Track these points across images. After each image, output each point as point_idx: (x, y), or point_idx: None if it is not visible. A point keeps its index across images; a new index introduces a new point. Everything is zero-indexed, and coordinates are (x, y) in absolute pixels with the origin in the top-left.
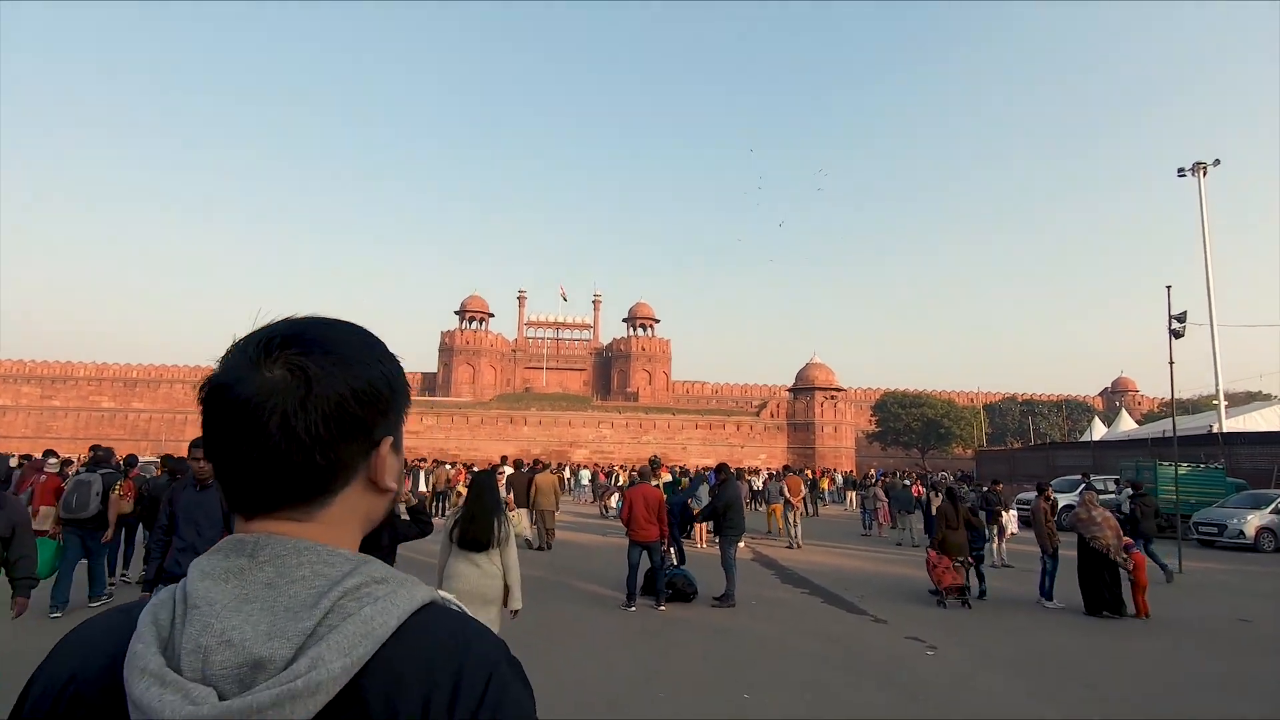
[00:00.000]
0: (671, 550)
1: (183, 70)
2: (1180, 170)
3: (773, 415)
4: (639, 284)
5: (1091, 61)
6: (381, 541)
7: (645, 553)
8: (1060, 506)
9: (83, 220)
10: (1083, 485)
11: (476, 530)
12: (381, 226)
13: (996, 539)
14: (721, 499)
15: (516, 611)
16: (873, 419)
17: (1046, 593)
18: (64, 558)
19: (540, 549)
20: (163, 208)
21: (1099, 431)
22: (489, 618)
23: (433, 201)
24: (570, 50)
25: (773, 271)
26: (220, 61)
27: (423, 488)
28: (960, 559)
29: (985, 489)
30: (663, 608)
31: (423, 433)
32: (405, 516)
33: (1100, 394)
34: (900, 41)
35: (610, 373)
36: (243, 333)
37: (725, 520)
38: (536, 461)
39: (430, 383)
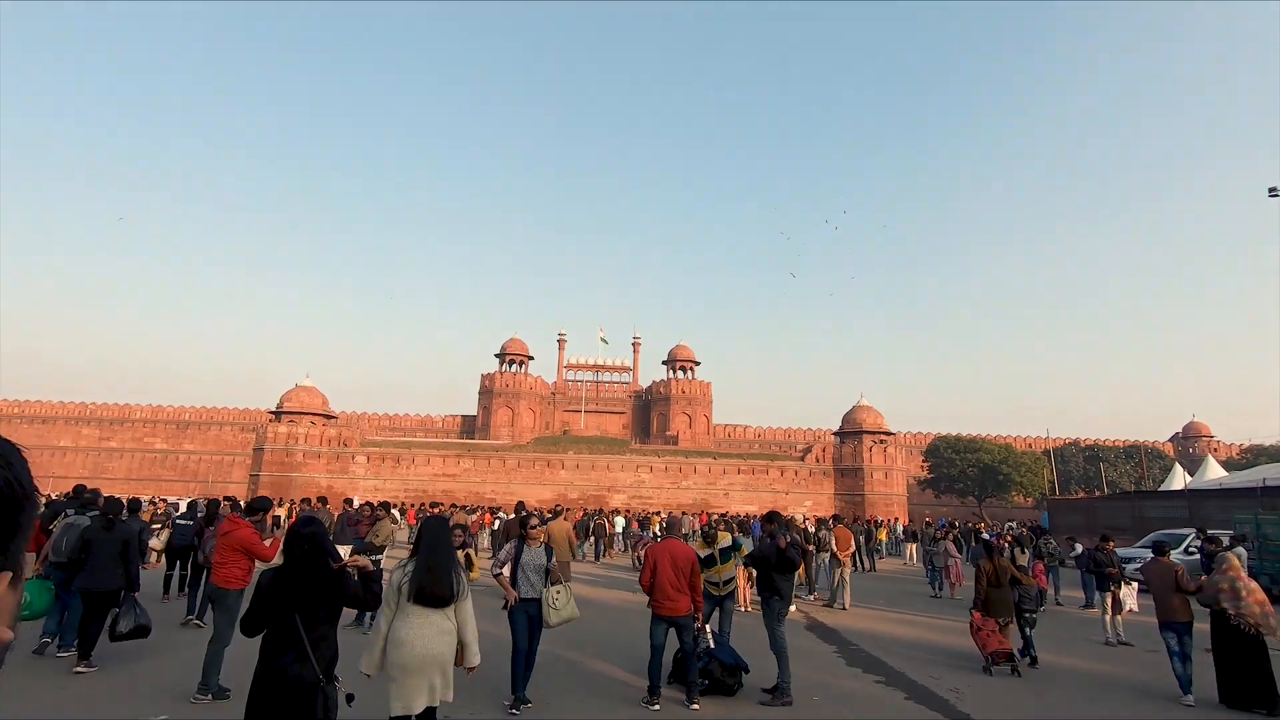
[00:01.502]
0: (707, 629)
1: (224, 121)
2: (1273, 190)
3: (818, 460)
4: (679, 326)
5: (1150, 96)
6: (319, 614)
7: (673, 631)
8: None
9: (142, 266)
10: (1200, 542)
11: (437, 585)
12: (422, 269)
13: (1110, 611)
14: (772, 552)
15: (473, 669)
16: (924, 465)
17: (1185, 683)
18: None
19: None
20: (209, 255)
21: (1180, 479)
22: (445, 677)
23: (474, 244)
24: (609, 87)
25: (817, 312)
26: (267, 116)
27: None
28: (1005, 619)
29: (1095, 549)
30: (695, 705)
31: (459, 475)
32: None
33: (1170, 439)
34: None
35: (650, 416)
36: (286, 377)
37: (776, 584)
38: (558, 507)
39: (470, 425)
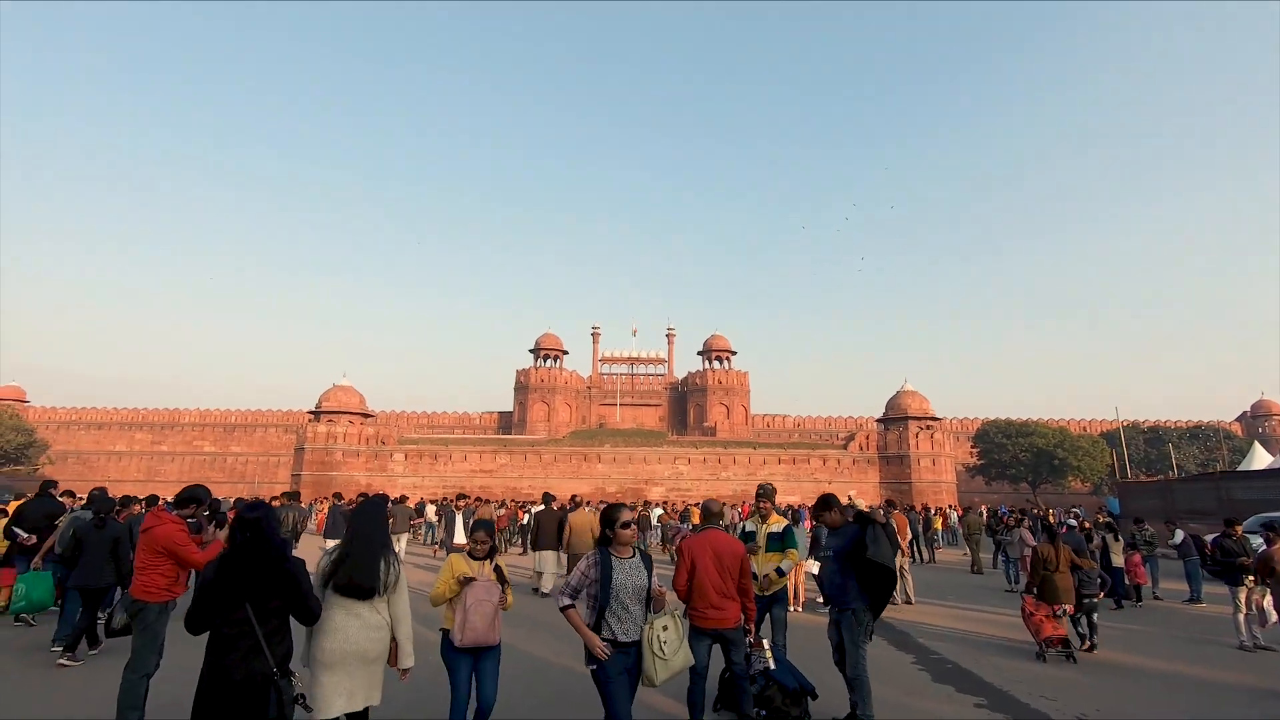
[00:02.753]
0: (764, 644)
1: (258, 124)
2: None
3: (862, 448)
4: (713, 316)
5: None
6: (271, 605)
7: (719, 647)
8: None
9: (183, 272)
10: None
11: (357, 572)
12: (456, 266)
13: (1244, 608)
14: (859, 536)
15: (406, 671)
16: (973, 450)
17: None
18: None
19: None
20: (248, 258)
21: (1261, 459)
22: (370, 679)
23: (506, 239)
24: (640, 81)
25: (856, 298)
26: (303, 118)
27: (459, 538)
28: (1062, 606)
29: (1222, 535)
30: None
31: (496, 471)
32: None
33: (1238, 419)
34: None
35: (686, 408)
36: (324, 378)
37: (856, 593)
38: (573, 499)
39: (507, 421)
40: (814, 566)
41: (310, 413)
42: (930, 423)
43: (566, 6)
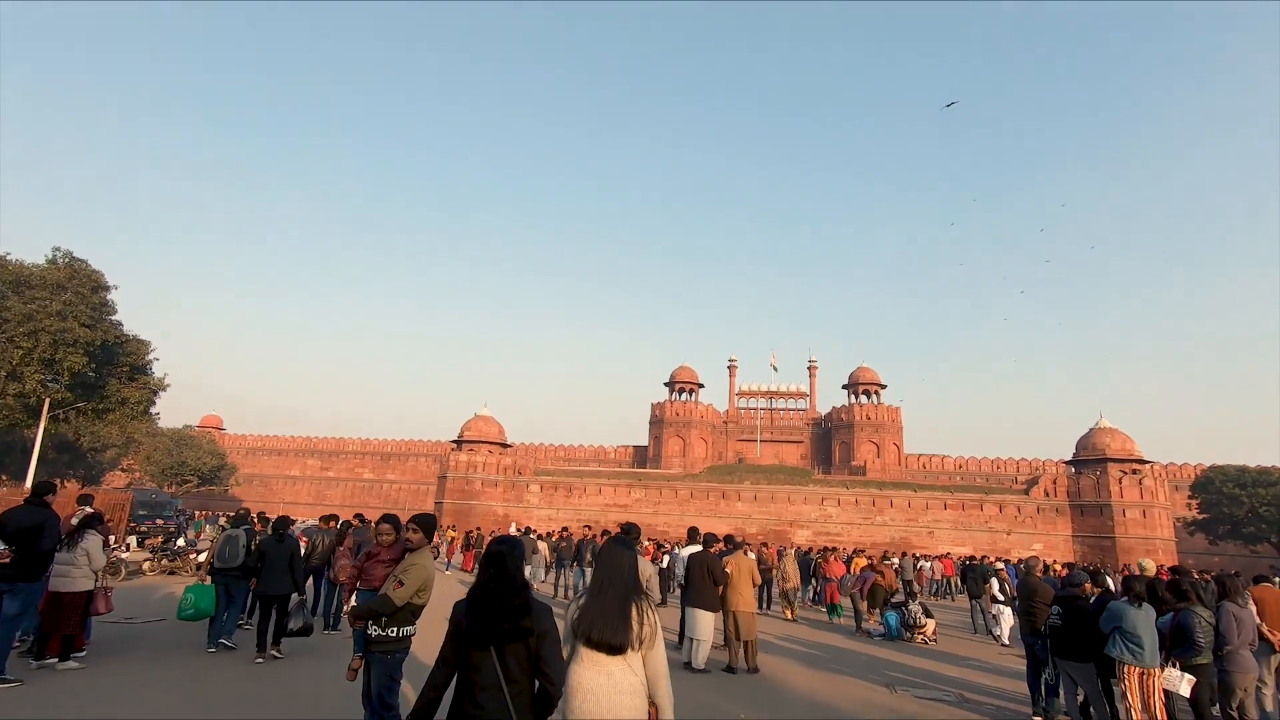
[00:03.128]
0: None
1: (407, 173)
2: None
3: (1048, 494)
4: (858, 349)
5: None
6: (511, 653)
7: None
8: None
9: (348, 306)
10: None
11: (602, 627)
12: (590, 297)
13: None
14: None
15: None
16: (1192, 502)
17: None
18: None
19: (731, 670)
20: (401, 291)
21: None
22: None
23: (640, 269)
24: (778, 93)
25: (1025, 324)
26: (448, 165)
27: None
28: None
29: None
30: None
31: (631, 506)
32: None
33: None
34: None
35: (831, 445)
36: (468, 409)
37: None
38: (728, 539)
39: (642, 456)
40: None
41: (453, 442)
42: (1137, 467)
43: (712, 48)
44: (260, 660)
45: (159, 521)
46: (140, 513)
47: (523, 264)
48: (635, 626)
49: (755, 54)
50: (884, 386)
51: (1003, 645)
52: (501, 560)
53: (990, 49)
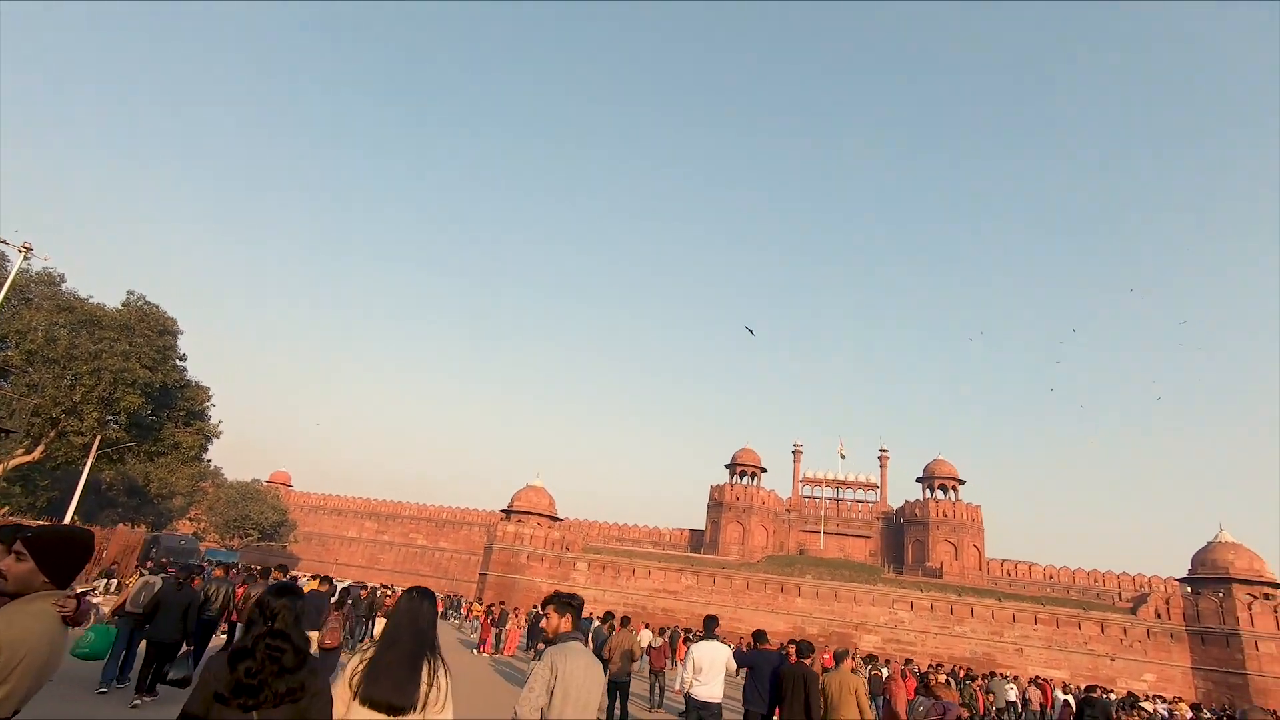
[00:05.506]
0: None
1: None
2: None
3: (1159, 616)
4: (932, 441)
5: None
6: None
7: None
8: None
9: (414, 374)
10: None
11: (383, 686)
12: (657, 373)
13: None
14: None
15: None
16: None
17: None
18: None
19: None
20: (462, 365)
21: None
22: None
23: (708, 347)
24: (848, 175)
25: (1122, 423)
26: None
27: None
28: None
29: None
30: None
31: (681, 593)
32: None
33: None
34: None
35: (903, 542)
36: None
37: None
38: (867, 658)
39: (698, 540)
40: None
41: (503, 511)
42: (1269, 591)
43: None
44: (137, 704)
45: (170, 569)
46: (162, 559)
47: (591, 337)
48: (424, 687)
49: (849, 124)
50: (962, 482)
51: None
52: (277, 613)
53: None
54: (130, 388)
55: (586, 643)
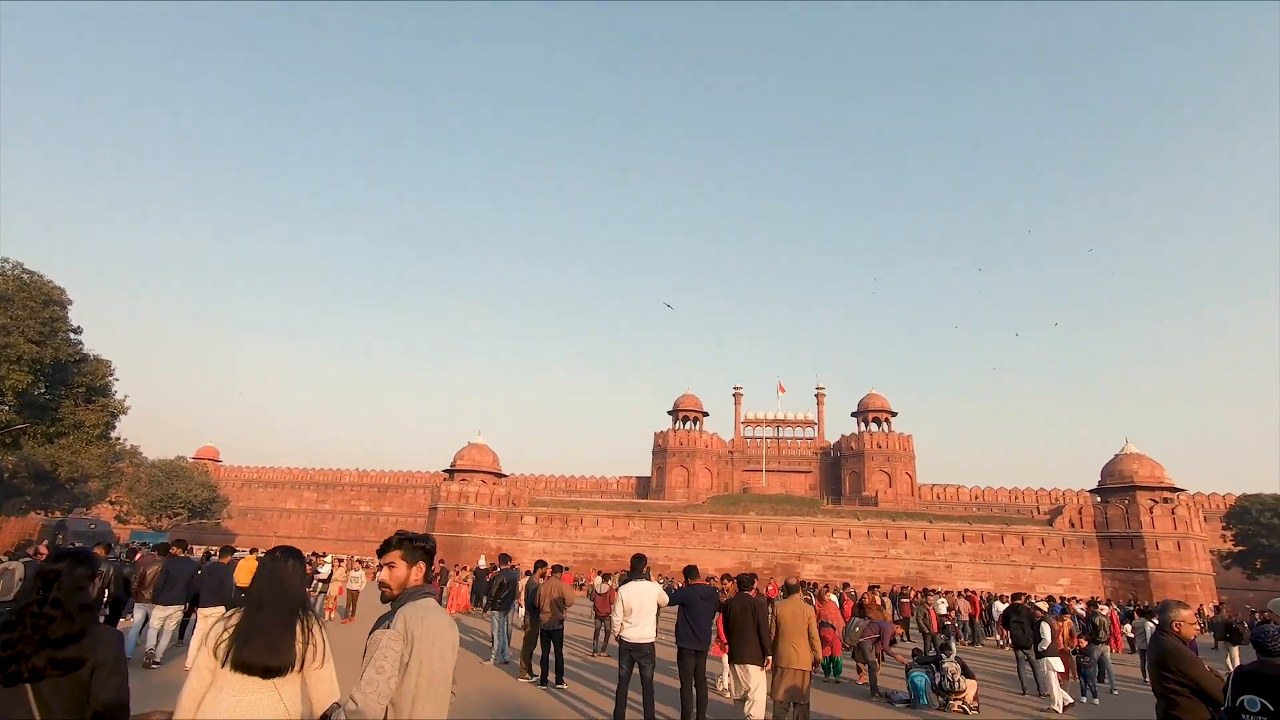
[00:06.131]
0: None
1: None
2: None
3: (1073, 525)
4: (867, 376)
5: None
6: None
7: None
8: None
9: (349, 336)
10: None
11: (259, 644)
12: (593, 323)
13: None
14: None
15: None
16: (1226, 533)
17: None
18: None
19: None
20: (395, 322)
21: None
22: None
23: (644, 295)
24: (788, 119)
25: (1041, 350)
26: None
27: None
28: None
29: None
30: None
31: (629, 538)
32: None
33: None
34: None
35: (840, 474)
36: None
37: None
38: (787, 583)
39: (644, 487)
40: None
41: (445, 471)
42: (1168, 495)
43: (728, 73)
44: None
45: (35, 554)
46: (71, 545)
47: (523, 288)
48: (300, 645)
49: (765, 79)
50: (894, 414)
51: (1057, 711)
52: (53, 580)
53: (1017, 63)
54: (15, 365)
55: (516, 596)
